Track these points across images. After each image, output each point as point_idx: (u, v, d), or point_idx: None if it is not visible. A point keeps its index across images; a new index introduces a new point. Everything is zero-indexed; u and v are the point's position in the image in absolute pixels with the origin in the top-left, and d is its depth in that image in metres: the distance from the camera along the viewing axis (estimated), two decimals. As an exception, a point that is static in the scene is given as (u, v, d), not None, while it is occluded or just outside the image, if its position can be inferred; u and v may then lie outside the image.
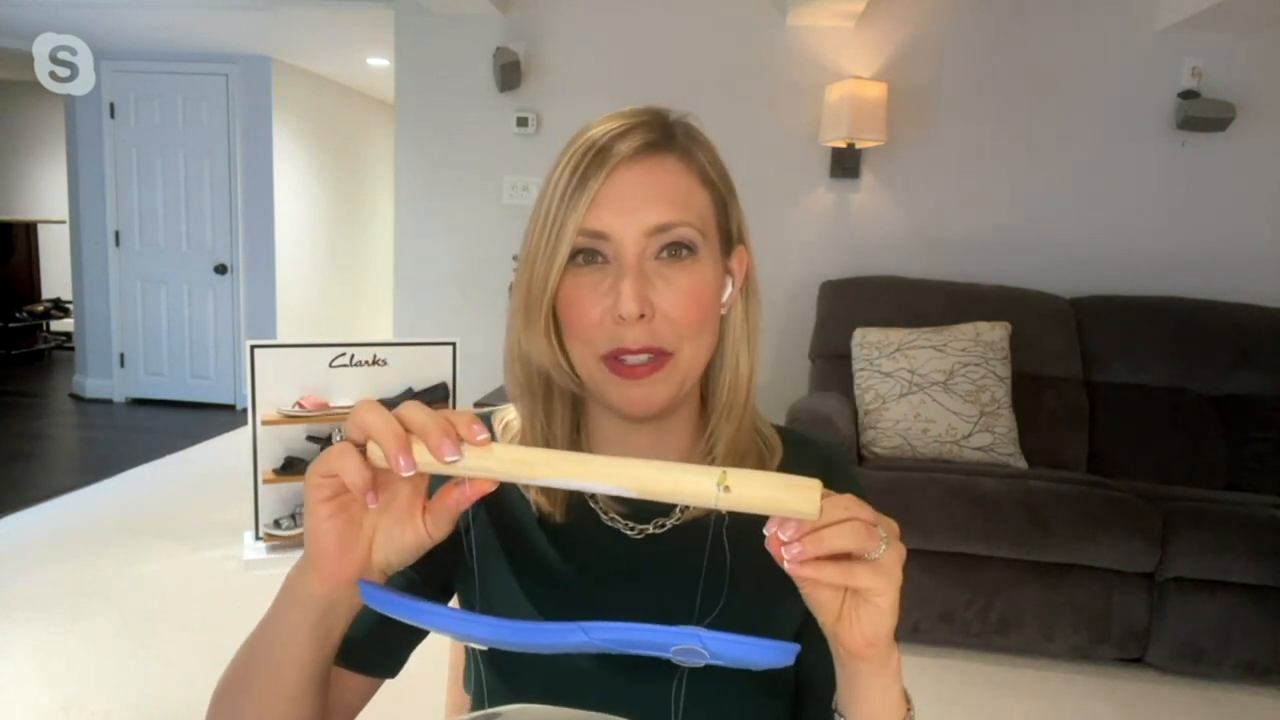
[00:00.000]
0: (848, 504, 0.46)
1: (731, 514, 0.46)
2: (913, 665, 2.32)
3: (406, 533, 0.52)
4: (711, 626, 0.45)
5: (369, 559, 0.53)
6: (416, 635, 0.65)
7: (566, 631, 0.46)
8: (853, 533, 0.45)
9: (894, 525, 0.49)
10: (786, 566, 0.46)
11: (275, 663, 0.54)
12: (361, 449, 0.49)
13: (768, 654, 0.44)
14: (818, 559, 0.46)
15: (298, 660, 0.54)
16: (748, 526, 0.49)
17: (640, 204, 0.58)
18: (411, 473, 0.48)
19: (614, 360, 0.59)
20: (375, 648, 0.65)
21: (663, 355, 0.59)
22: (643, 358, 0.59)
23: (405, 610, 0.49)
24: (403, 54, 3.46)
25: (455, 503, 0.52)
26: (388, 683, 0.68)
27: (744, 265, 0.66)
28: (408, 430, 0.48)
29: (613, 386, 0.60)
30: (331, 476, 0.50)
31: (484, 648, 0.53)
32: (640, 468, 0.46)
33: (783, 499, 0.44)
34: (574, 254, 0.59)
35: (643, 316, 0.57)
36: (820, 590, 0.48)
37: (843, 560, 0.46)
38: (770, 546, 0.46)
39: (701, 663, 0.44)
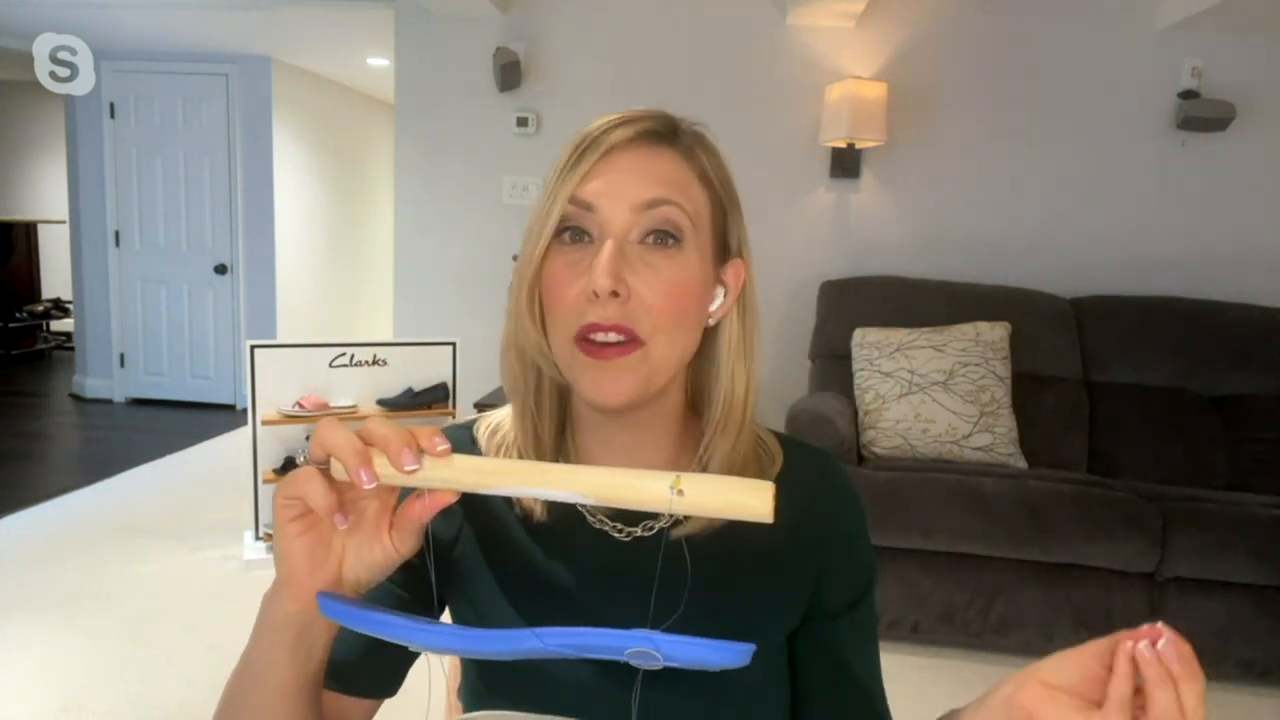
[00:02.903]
0: None
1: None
2: (912, 665, 2.32)
3: (375, 549, 0.53)
4: (682, 630, 0.45)
5: (340, 576, 0.53)
6: (412, 652, 0.65)
7: (521, 638, 0.46)
8: None
9: None
10: None
11: (261, 688, 0.54)
12: (326, 468, 0.50)
13: (721, 655, 0.44)
14: None
15: (281, 683, 0.54)
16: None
17: (632, 182, 0.58)
18: (373, 485, 0.48)
19: (584, 341, 0.58)
20: (370, 669, 0.64)
21: (634, 340, 0.57)
22: (612, 336, 0.57)
23: (361, 621, 0.49)
24: (403, 54, 3.46)
25: (417, 515, 0.52)
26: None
27: (740, 279, 0.64)
28: (369, 444, 0.49)
29: (582, 370, 0.58)
30: (297, 499, 0.51)
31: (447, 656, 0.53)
32: (595, 475, 0.47)
33: (736, 501, 0.45)
34: (561, 231, 0.59)
35: (616, 295, 0.56)
36: None
37: None
38: None
39: (657, 665, 0.44)
